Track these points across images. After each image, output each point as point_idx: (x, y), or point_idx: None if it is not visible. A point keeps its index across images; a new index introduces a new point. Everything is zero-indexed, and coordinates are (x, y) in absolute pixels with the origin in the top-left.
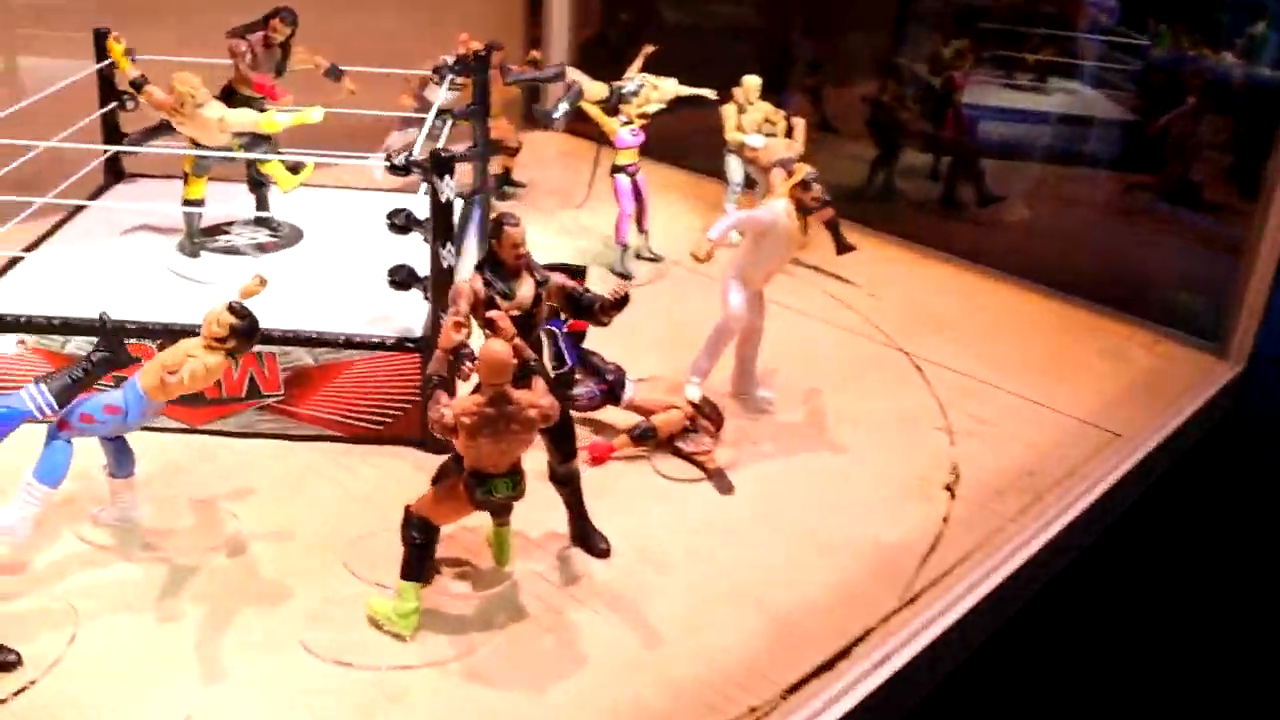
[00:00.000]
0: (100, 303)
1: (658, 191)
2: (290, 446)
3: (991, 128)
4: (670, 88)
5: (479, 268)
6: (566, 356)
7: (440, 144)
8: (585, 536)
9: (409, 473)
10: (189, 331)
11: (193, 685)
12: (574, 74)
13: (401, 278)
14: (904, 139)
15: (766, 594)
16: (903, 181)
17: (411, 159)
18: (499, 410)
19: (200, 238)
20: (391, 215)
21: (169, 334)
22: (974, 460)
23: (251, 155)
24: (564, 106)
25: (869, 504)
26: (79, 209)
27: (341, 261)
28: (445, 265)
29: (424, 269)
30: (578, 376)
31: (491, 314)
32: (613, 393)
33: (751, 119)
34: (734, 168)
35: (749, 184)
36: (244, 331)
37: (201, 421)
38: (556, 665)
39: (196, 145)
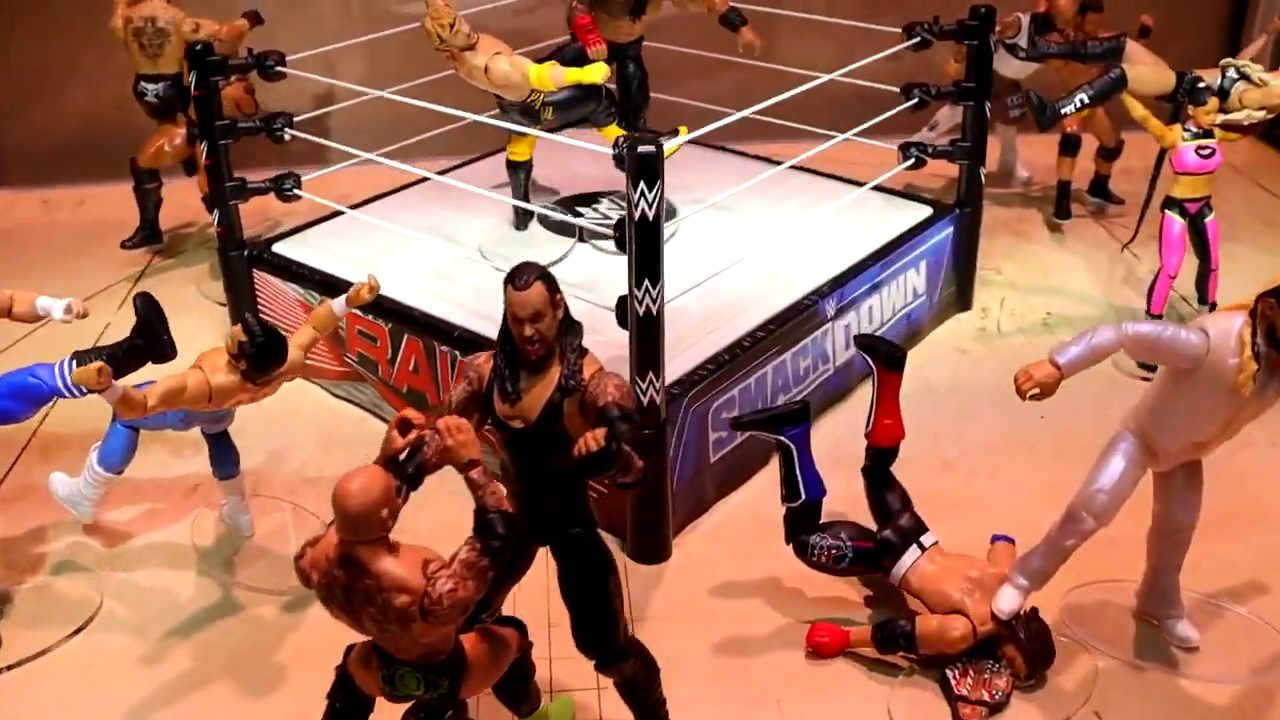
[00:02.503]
0: (371, 270)
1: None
2: None
3: None
4: None
5: (500, 345)
6: (802, 487)
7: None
8: None
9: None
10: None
11: None
12: (1134, 51)
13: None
14: None
15: None
16: None
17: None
18: (349, 577)
19: (553, 207)
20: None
21: (397, 318)
22: None
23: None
24: (1078, 99)
25: None
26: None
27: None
28: None
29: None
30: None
31: (406, 412)
32: (877, 555)
33: None
34: None
35: None
36: (251, 355)
37: None
38: None
39: (499, 99)
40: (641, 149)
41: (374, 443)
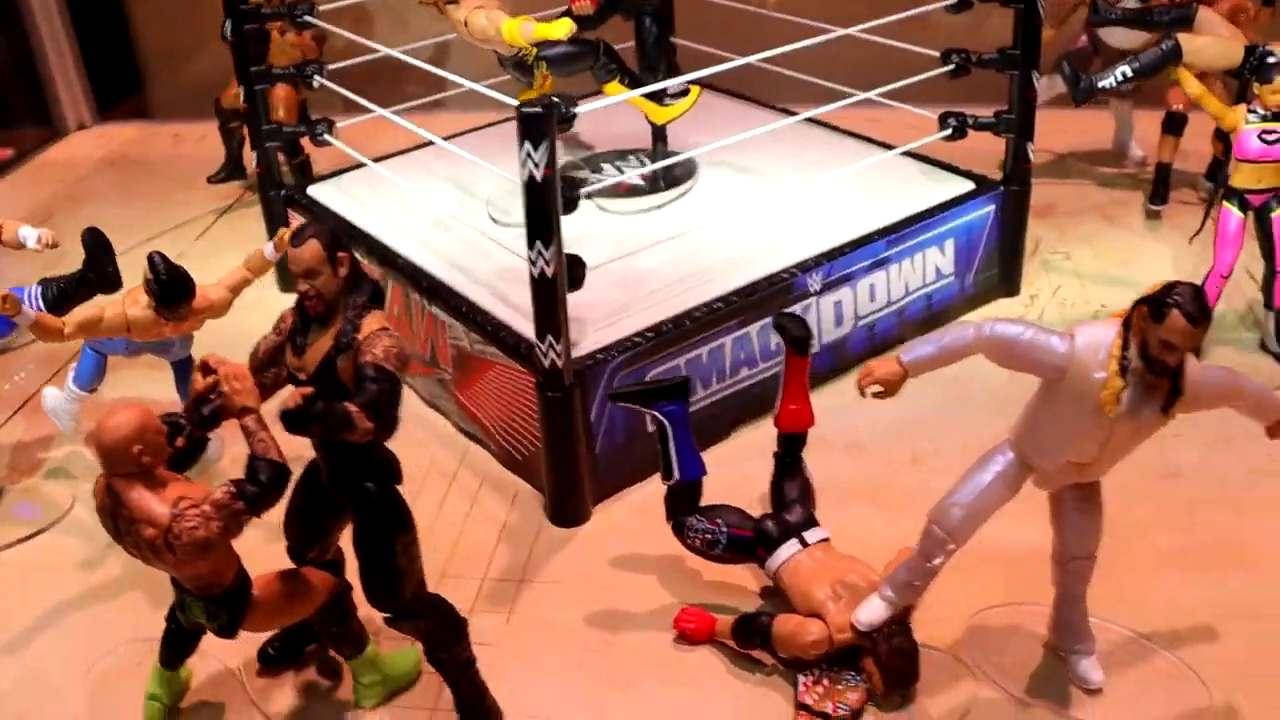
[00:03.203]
0: (380, 224)
1: None
2: (452, 436)
3: None
4: None
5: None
6: (676, 466)
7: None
8: None
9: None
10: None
11: None
12: (1205, 19)
13: None
14: None
15: None
16: None
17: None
18: (112, 506)
19: (577, 168)
20: None
21: (385, 263)
22: None
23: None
24: (1119, 71)
25: None
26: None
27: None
28: None
29: None
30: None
31: (208, 356)
32: (752, 545)
33: None
34: None
35: None
36: (155, 292)
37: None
38: None
39: (498, 54)
40: (526, 110)
41: None
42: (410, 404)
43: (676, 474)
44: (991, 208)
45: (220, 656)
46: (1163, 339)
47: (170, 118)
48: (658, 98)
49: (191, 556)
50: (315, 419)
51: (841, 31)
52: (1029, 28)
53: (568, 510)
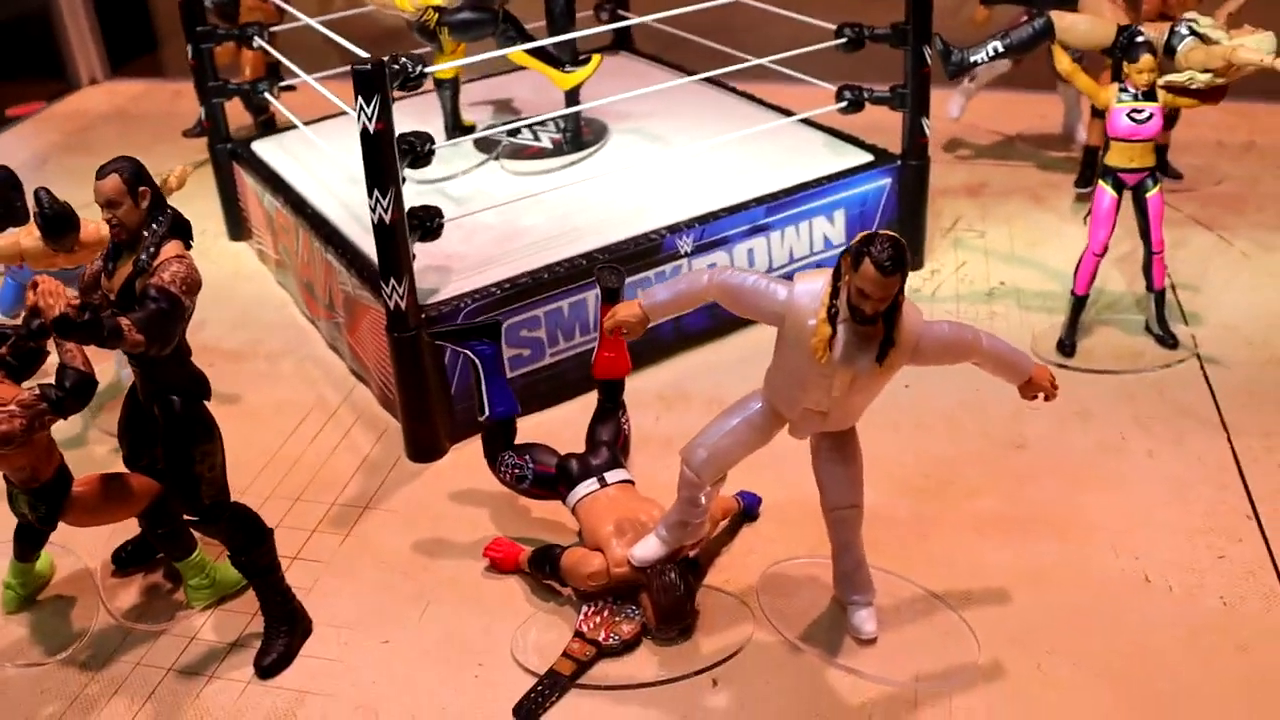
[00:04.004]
0: (303, 179)
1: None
2: (344, 377)
3: None
4: (1263, 47)
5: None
6: (487, 404)
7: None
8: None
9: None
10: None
11: None
12: None
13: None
14: None
15: None
16: None
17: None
18: None
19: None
20: None
21: (299, 213)
22: None
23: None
24: (990, 47)
25: None
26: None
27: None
28: None
29: None
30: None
31: (39, 276)
32: (554, 481)
33: None
34: None
35: None
36: (40, 224)
37: None
38: None
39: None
40: (357, 68)
41: (288, 329)
42: (313, 346)
43: (488, 410)
44: (888, 180)
45: (82, 556)
46: (859, 287)
47: (180, 77)
48: (559, 65)
49: (0, 449)
50: (80, 326)
51: None
52: (919, 3)
53: (422, 446)
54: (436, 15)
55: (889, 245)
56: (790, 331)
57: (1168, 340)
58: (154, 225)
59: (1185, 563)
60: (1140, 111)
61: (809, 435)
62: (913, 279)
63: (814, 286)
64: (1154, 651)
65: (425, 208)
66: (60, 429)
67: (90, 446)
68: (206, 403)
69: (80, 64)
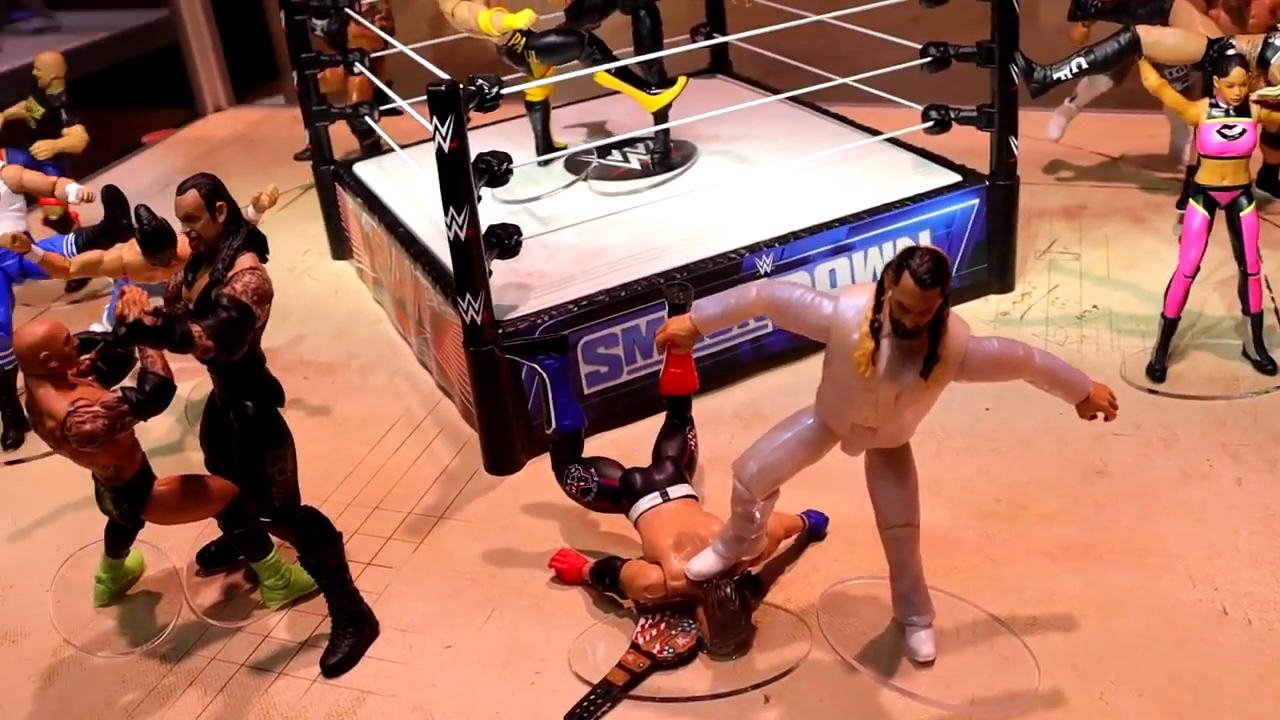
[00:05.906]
0: (399, 199)
1: None
2: (430, 391)
3: None
4: None
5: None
6: (554, 417)
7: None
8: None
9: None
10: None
11: None
12: (1180, 11)
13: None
14: None
15: None
16: None
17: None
18: (31, 402)
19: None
20: None
21: (392, 233)
22: None
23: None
24: (1074, 63)
25: None
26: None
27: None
28: None
29: None
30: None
31: (126, 287)
32: (618, 495)
33: None
34: None
35: None
36: (139, 240)
37: None
38: None
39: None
40: (432, 89)
41: (381, 344)
42: (404, 360)
43: (554, 423)
44: (976, 201)
45: (170, 555)
46: (899, 300)
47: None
48: (646, 87)
49: (84, 447)
50: (152, 331)
51: (814, 18)
52: (1005, 20)
53: (498, 458)
54: (523, 39)
55: (929, 259)
56: (836, 346)
57: (1266, 365)
58: (230, 239)
59: (1268, 596)
60: (1232, 127)
61: (861, 451)
62: (1002, 301)
63: (858, 300)
64: (1223, 686)
65: (504, 226)
66: (159, 436)
67: (187, 453)
68: (281, 409)
69: (206, 93)
